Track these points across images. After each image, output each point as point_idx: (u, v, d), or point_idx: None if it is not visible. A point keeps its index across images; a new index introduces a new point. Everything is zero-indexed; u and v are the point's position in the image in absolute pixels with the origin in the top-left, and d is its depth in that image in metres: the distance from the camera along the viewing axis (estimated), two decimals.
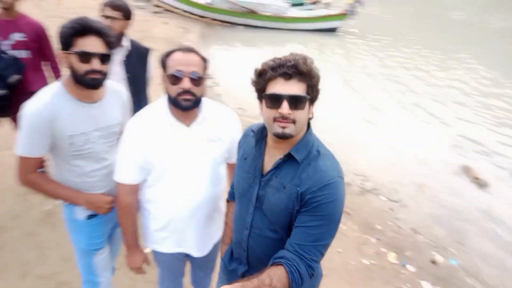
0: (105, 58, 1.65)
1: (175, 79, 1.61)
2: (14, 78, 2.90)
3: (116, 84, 1.97)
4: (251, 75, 1.40)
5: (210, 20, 13.02)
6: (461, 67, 10.23)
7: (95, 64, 1.62)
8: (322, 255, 1.33)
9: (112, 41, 1.68)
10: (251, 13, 12.79)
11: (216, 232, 2.03)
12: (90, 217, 1.91)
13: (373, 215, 4.16)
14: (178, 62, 1.62)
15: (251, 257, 1.54)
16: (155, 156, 1.70)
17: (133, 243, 1.91)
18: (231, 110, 1.94)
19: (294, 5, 14.41)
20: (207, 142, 1.75)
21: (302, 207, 1.32)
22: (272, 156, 1.43)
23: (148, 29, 10.43)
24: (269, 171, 1.41)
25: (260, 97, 1.39)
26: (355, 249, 3.55)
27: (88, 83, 1.66)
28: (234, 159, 1.97)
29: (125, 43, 2.79)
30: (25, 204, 3.40)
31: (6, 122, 3.32)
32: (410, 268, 3.42)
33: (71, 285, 2.68)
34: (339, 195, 1.30)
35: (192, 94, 1.62)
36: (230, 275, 1.70)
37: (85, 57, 1.60)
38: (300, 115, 1.31)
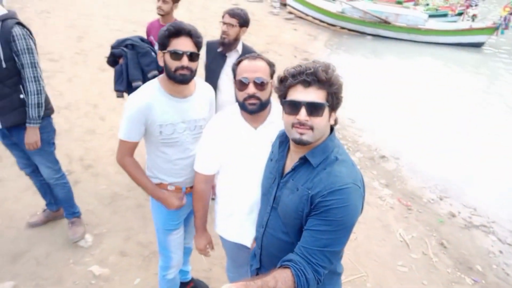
0: (193, 56, 1.88)
1: (241, 85, 1.78)
2: (153, 73, 3.40)
3: (204, 83, 2.21)
4: (275, 82, 1.49)
5: (339, 28, 13.00)
6: None
7: (184, 61, 1.85)
8: (331, 262, 1.32)
9: (201, 41, 1.91)
10: (384, 23, 12.34)
11: None
12: None
13: (476, 254, 3.71)
14: (244, 69, 1.79)
15: (264, 255, 1.60)
16: (225, 152, 1.90)
17: (201, 227, 2.14)
18: None
19: (434, 16, 13.38)
20: (271, 144, 1.86)
21: (312, 211, 1.32)
22: (292, 159, 1.47)
23: (278, 34, 10.95)
24: (287, 173, 1.46)
25: (281, 103, 1.45)
26: (443, 285, 3.25)
27: (177, 79, 1.88)
28: None
29: (239, 47, 3.09)
30: None
31: None
32: None
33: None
34: (351, 202, 1.27)
35: (257, 98, 1.78)
36: (251, 271, 1.78)
37: (176, 55, 1.84)
38: (318, 122, 1.34)
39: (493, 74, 9.89)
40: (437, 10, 14.26)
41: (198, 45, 1.90)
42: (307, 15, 13.41)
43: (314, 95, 1.33)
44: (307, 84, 1.33)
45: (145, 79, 3.35)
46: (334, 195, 1.27)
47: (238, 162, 1.91)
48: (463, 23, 12.50)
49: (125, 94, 3.48)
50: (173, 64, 1.85)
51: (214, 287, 2.94)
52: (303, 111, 1.33)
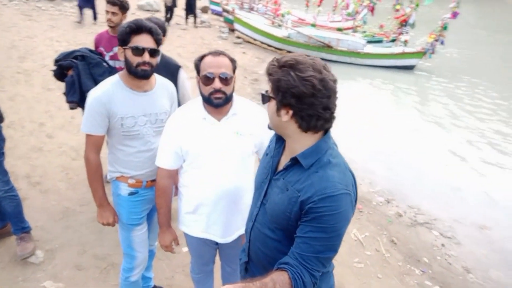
0: (154, 52, 1.98)
1: (207, 80, 1.86)
2: None
3: (164, 78, 2.28)
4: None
5: (286, 52, 13.59)
6: None
7: (145, 56, 1.93)
8: (325, 266, 1.32)
9: (160, 38, 2.01)
10: (327, 47, 13.11)
11: (242, 224, 2.11)
12: (131, 194, 2.20)
13: (422, 248, 3.99)
14: (209, 64, 1.87)
15: (252, 250, 1.59)
16: (189, 146, 1.95)
17: (165, 223, 2.15)
18: (261, 108, 2.13)
19: (371, 42, 14.46)
20: (235, 136, 1.95)
21: (303, 216, 1.29)
22: (286, 158, 1.44)
23: None
24: (279, 172, 1.44)
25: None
26: (396, 278, 3.45)
27: (139, 74, 1.97)
28: None
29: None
30: None
31: None
32: None
33: (119, 266, 2.98)
34: (342, 208, 1.25)
35: (223, 92, 1.87)
36: (240, 265, 1.79)
37: (138, 51, 1.93)
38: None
39: (423, 93, 10.81)
40: (373, 36, 15.42)
41: (158, 42, 1.99)
42: (255, 39, 13.91)
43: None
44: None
45: None
46: (325, 201, 1.24)
47: (203, 154, 1.95)
48: (397, 48, 13.62)
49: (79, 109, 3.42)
50: (134, 59, 1.93)
51: None
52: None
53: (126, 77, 2.04)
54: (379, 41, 15.01)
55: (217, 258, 2.41)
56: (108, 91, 1.99)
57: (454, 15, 12.33)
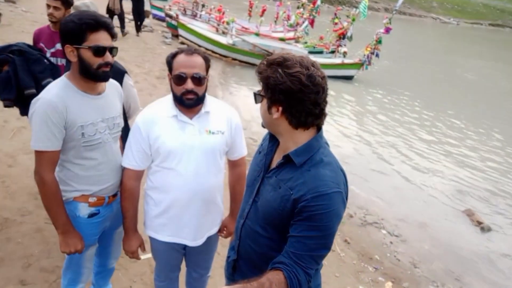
0: (114, 51, 1.79)
1: (179, 79, 1.81)
2: (48, 81, 3.16)
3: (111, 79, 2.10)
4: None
5: (231, 59, 13.66)
6: (470, 123, 10.37)
7: (108, 57, 1.74)
8: (318, 264, 1.34)
9: (115, 34, 1.82)
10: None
11: (212, 225, 2.12)
12: (92, 215, 1.97)
13: (373, 246, 4.20)
14: (182, 64, 1.81)
15: (242, 247, 1.58)
16: (159, 144, 1.86)
17: (131, 228, 2.04)
18: (232, 107, 2.12)
19: (312, 52, 15.02)
20: (207, 134, 1.91)
21: (296, 215, 1.30)
22: (279, 156, 1.44)
23: None
24: (272, 170, 1.44)
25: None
26: (352, 276, 3.58)
27: (100, 77, 1.77)
28: (235, 155, 2.14)
29: None
30: (36, 202, 3.56)
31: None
32: None
33: None
34: (334, 207, 1.26)
35: (195, 93, 1.82)
36: (227, 262, 1.76)
37: (100, 51, 1.71)
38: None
39: (361, 101, 11.45)
40: (314, 47, 16.04)
41: (113, 37, 1.81)
42: (199, 46, 13.78)
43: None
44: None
45: (38, 87, 3.07)
46: (318, 200, 1.26)
47: (174, 153, 1.88)
48: (337, 59, 14.31)
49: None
50: (95, 60, 1.72)
51: None
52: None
53: (76, 79, 1.78)
54: (320, 52, 15.63)
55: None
56: (62, 97, 1.71)
57: (387, 30, 13.23)
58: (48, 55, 3.24)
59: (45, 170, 1.74)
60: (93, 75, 1.75)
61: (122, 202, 2.00)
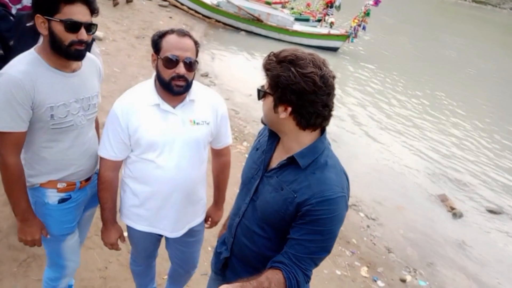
0: (91, 28, 1.59)
1: (169, 63, 1.64)
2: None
3: (90, 53, 1.90)
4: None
5: (214, 21, 13.13)
6: (448, 101, 10.53)
7: (82, 34, 1.54)
8: (317, 265, 1.34)
9: (97, 9, 1.62)
10: (256, 20, 12.95)
11: (194, 216, 2.04)
12: (62, 201, 1.82)
13: (351, 229, 4.25)
14: (174, 46, 1.64)
15: (236, 245, 1.55)
16: (139, 134, 1.72)
17: (111, 219, 1.93)
18: (219, 95, 1.98)
19: (298, 19, 14.64)
20: (191, 124, 1.78)
21: (299, 218, 1.29)
22: (280, 155, 1.41)
23: (153, 20, 10.45)
24: (272, 169, 1.40)
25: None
26: (329, 259, 3.61)
27: (72, 55, 1.58)
28: (220, 144, 2.03)
29: None
30: None
31: None
32: (380, 283, 3.51)
33: (42, 258, 2.63)
34: (339, 211, 1.26)
35: (185, 79, 1.67)
36: (216, 258, 1.73)
37: (73, 26, 1.51)
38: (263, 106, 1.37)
39: (344, 75, 11.36)
40: (300, 14, 15.65)
41: (93, 12, 1.60)
42: (182, 4, 13.13)
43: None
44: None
45: (5, 48, 2.81)
46: (323, 205, 1.24)
47: (155, 144, 1.74)
48: (323, 29, 14.01)
49: None
50: (67, 37, 1.51)
51: (112, 286, 2.67)
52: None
53: (47, 54, 1.58)
54: (306, 20, 15.27)
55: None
56: (29, 73, 1.52)
57: (376, 2, 12.96)
58: (13, 11, 2.92)
59: (7, 153, 1.57)
60: (64, 53, 1.55)
61: (100, 193, 1.87)
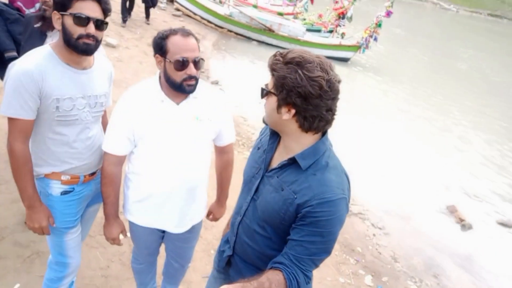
0: (101, 24, 1.66)
1: (181, 65, 1.67)
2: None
3: (101, 56, 1.98)
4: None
5: (226, 31, 13.28)
6: (460, 113, 10.40)
7: (90, 28, 1.61)
8: (317, 266, 1.35)
9: (109, 8, 1.70)
10: (268, 30, 13.06)
11: (196, 214, 2.06)
12: (65, 192, 1.87)
13: (356, 237, 4.20)
14: (182, 48, 1.67)
15: (238, 244, 1.56)
16: (143, 129, 1.75)
17: (113, 214, 1.95)
18: (222, 93, 2.01)
19: (310, 30, 14.71)
20: (194, 121, 1.80)
21: (299, 220, 1.29)
22: (281, 154, 1.41)
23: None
24: (273, 169, 1.40)
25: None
26: (333, 267, 3.58)
27: (79, 48, 1.64)
28: (223, 142, 2.04)
29: None
30: None
31: None
32: None
33: (46, 255, 2.67)
34: (339, 213, 1.26)
35: (195, 78, 1.71)
36: (220, 256, 1.74)
37: (82, 20, 1.59)
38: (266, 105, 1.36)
39: (355, 85, 11.34)
40: (312, 25, 15.69)
41: (106, 12, 1.68)
42: (195, 14, 13.35)
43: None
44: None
45: (19, 50, 2.87)
46: (324, 206, 1.24)
47: (159, 140, 1.78)
48: (334, 39, 14.04)
49: None
50: (76, 30, 1.60)
51: (113, 285, 2.68)
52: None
53: (61, 49, 1.67)
54: (318, 31, 15.33)
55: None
56: (40, 65, 1.61)
57: (388, 13, 12.99)
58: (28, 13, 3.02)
59: (15, 139, 1.65)
60: (73, 46, 1.63)
61: (103, 187, 1.90)
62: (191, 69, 1.68)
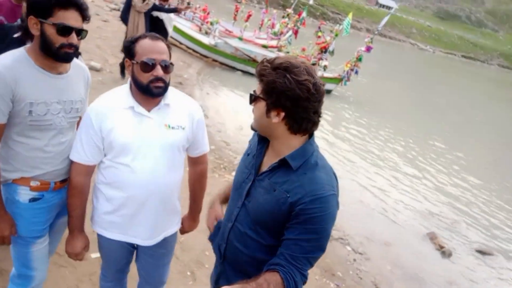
0: (82, 33, 1.66)
1: (147, 66, 1.67)
2: None
3: (78, 60, 1.97)
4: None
5: (211, 60, 13.50)
6: (440, 147, 10.65)
7: (73, 38, 1.61)
8: (312, 265, 1.37)
9: (89, 16, 1.70)
10: (252, 61, 13.33)
11: (169, 224, 1.99)
12: (34, 200, 1.79)
13: (336, 262, 4.14)
14: (149, 49, 1.68)
15: (229, 251, 1.57)
16: (113, 138, 1.71)
17: (78, 227, 1.88)
18: (195, 101, 2.00)
19: None
20: (166, 128, 1.78)
21: (293, 218, 1.32)
22: (270, 158, 1.46)
23: None
24: (264, 172, 1.44)
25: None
26: None
27: (61, 57, 1.64)
28: (197, 152, 2.01)
29: None
30: None
31: None
32: None
33: (7, 272, 2.52)
34: (330, 209, 1.31)
35: (163, 81, 1.70)
36: (215, 270, 1.72)
37: (65, 30, 1.59)
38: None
39: (336, 117, 11.53)
40: (296, 58, 16.15)
41: (85, 19, 1.68)
42: (181, 43, 13.57)
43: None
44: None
45: None
46: (315, 203, 1.29)
47: (129, 148, 1.73)
48: (317, 72, 14.39)
49: None
50: (58, 39, 1.59)
51: None
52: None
53: (36, 54, 1.64)
54: None
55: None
56: (13, 68, 1.58)
57: (368, 48, 13.47)
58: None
59: None
60: (53, 54, 1.63)
61: (69, 199, 1.82)
62: (157, 71, 1.67)
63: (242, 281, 1.26)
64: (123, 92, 1.77)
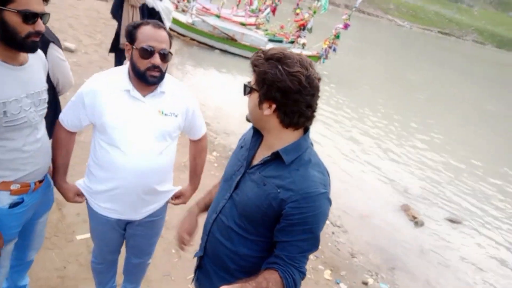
0: (46, 18, 1.54)
1: (146, 53, 1.70)
2: None
3: (53, 49, 1.95)
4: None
5: (189, 39, 13.29)
6: (415, 122, 10.96)
7: (40, 25, 1.48)
8: (307, 260, 1.39)
9: None
10: (230, 39, 13.20)
11: (157, 205, 2.05)
12: (14, 204, 1.69)
13: None
14: (150, 37, 1.71)
15: (210, 243, 1.54)
16: (105, 119, 1.76)
17: (61, 177, 1.95)
18: (189, 90, 2.05)
19: (272, 40, 15.01)
20: (159, 115, 1.82)
21: (286, 219, 1.30)
22: (263, 152, 1.42)
23: None
24: (255, 165, 1.41)
25: None
26: None
27: (28, 47, 1.51)
28: (197, 136, 2.10)
29: None
30: None
31: None
32: (343, 286, 3.58)
33: None
34: (322, 208, 1.30)
35: (160, 70, 1.74)
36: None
37: (30, 17, 1.44)
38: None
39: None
40: (274, 35, 16.03)
41: (45, 0, 1.54)
42: None
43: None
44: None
45: None
46: (308, 201, 1.27)
47: (121, 131, 1.77)
48: (295, 49, 14.39)
49: None
50: (23, 28, 1.44)
51: (69, 285, 2.62)
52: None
53: None
54: (279, 41, 15.64)
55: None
56: None
57: (346, 26, 13.51)
58: None
59: None
60: (19, 45, 1.48)
61: (54, 150, 1.90)
62: (155, 59, 1.70)
63: (241, 280, 1.25)
64: (120, 74, 1.80)
